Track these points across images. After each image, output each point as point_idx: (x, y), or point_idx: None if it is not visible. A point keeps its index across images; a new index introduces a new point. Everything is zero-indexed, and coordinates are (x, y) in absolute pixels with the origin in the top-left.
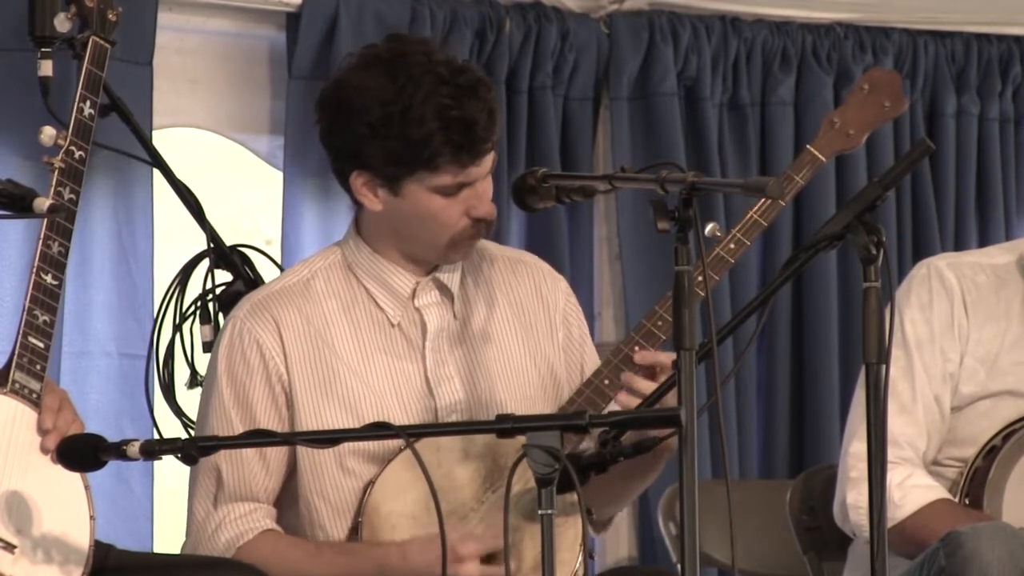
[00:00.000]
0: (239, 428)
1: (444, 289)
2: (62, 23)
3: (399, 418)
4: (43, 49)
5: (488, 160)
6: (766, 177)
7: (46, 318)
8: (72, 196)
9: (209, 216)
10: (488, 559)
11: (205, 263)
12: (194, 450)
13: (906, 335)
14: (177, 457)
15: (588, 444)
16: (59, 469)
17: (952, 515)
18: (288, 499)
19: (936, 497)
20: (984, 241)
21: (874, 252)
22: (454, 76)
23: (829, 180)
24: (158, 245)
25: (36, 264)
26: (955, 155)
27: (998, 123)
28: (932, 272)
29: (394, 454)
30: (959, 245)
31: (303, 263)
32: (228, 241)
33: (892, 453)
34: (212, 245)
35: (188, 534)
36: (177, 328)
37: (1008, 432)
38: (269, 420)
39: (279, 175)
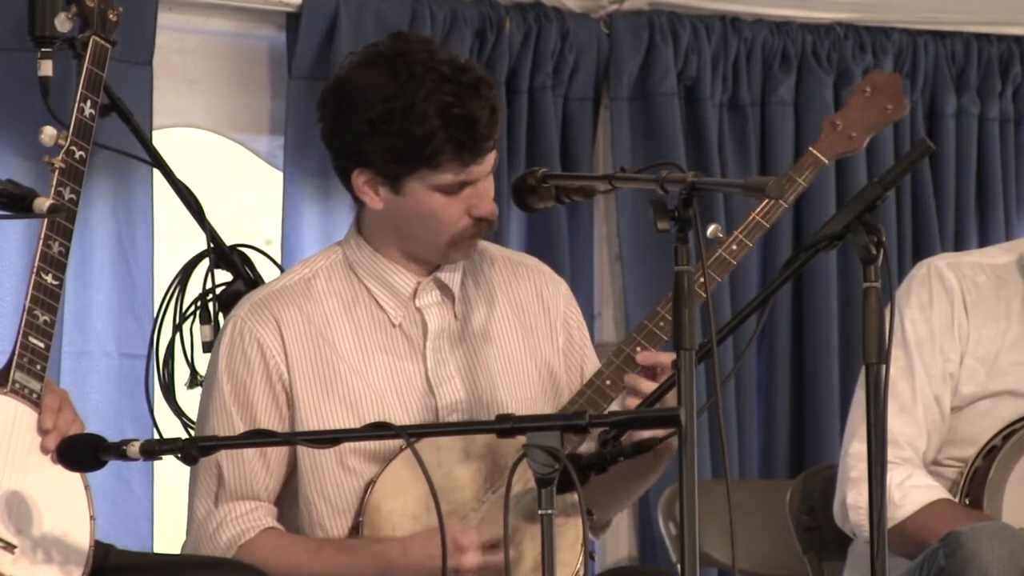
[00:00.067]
0: (240, 427)
1: (445, 289)
2: (63, 23)
3: (400, 417)
4: (43, 49)
5: (490, 159)
6: (766, 177)
7: (46, 318)
8: (72, 196)
9: (209, 216)
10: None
11: (205, 263)
12: (194, 450)
13: (906, 335)
14: (177, 457)
15: (588, 446)
16: (59, 469)
17: (952, 515)
18: (288, 498)
19: (936, 497)
20: (984, 241)
21: (874, 252)
22: (456, 74)
23: (829, 180)
24: (158, 245)
25: (36, 264)
26: (955, 155)
27: (998, 123)
28: (932, 272)
29: (395, 453)
30: (959, 245)
31: (304, 262)
32: (228, 241)
33: (892, 453)
34: (212, 245)
35: (189, 533)
36: (177, 328)
37: (1008, 432)
38: (270, 419)
39: (279, 175)
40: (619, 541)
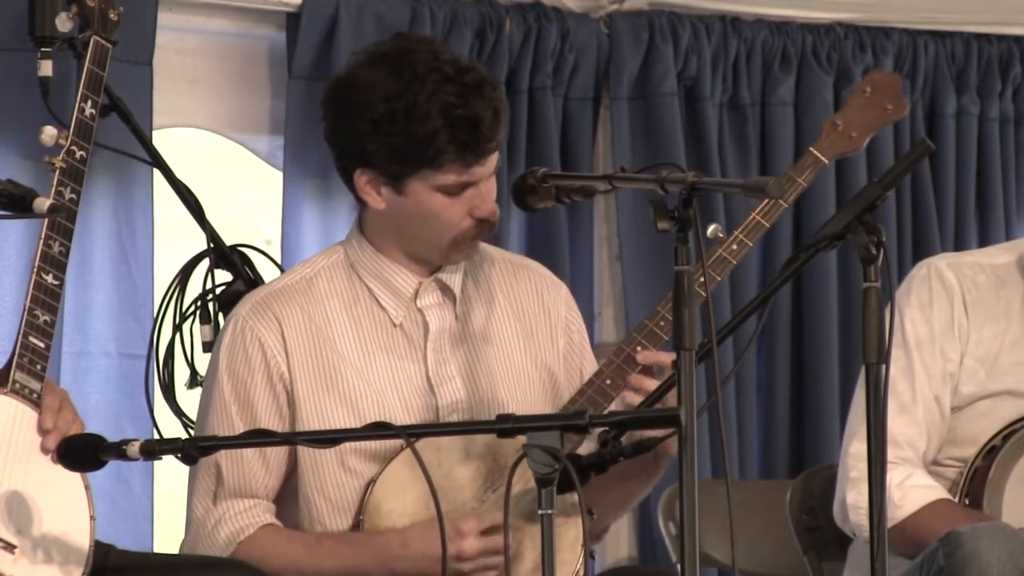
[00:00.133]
0: (240, 425)
1: (446, 290)
2: (63, 23)
3: (400, 417)
4: (43, 49)
5: (492, 160)
6: (766, 177)
7: (47, 318)
8: (73, 196)
9: (209, 216)
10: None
11: (205, 263)
12: (194, 450)
13: (906, 335)
14: (177, 457)
15: (588, 446)
16: (59, 469)
17: (952, 515)
18: (288, 496)
19: (936, 497)
20: (984, 241)
21: (874, 252)
22: (460, 75)
23: (829, 180)
24: (158, 245)
25: (37, 264)
26: (955, 155)
27: (998, 123)
28: (932, 272)
29: (395, 453)
30: (959, 245)
31: (306, 262)
32: (228, 241)
33: (892, 453)
34: (212, 245)
35: (187, 531)
36: (177, 328)
37: (1008, 432)
38: (270, 417)
39: (279, 175)
40: (619, 541)
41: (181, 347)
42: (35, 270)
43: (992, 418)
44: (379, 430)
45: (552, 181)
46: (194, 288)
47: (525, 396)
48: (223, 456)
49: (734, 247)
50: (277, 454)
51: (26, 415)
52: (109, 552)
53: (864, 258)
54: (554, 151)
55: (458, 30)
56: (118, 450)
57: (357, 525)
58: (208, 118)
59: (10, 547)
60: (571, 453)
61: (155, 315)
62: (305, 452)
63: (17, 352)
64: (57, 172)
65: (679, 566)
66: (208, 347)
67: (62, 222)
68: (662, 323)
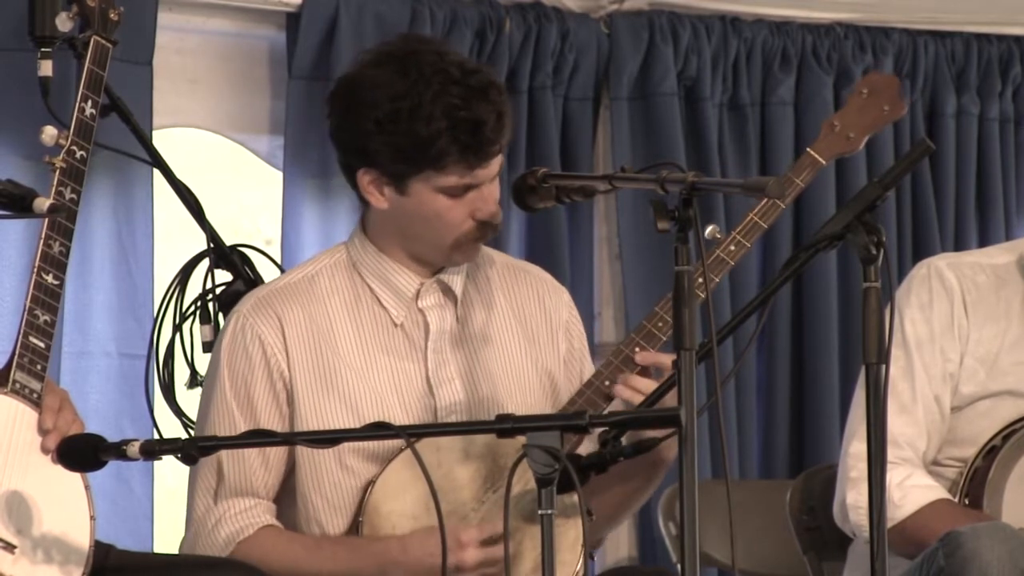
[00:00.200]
0: (240, 423)
1: (448, 291)
2: (64, 22)
3: (399, 417)
4: (43, 49)
5: (495, 163)
6: (766, 177)
7: (47, 318)
8: (73, 196)
9: (209, 216)
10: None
11: (205, 263)
12: (194, 450)
13: (906, 335)
14: (177, 457)
15: (587, 446)
16: (59, 469)
17: (952, 515)
18: (285, 495)
19: (936, 497)
20: (984, 241)
21: (874, 252)
22: (465, 77)
23: (829, 180)
24: (158, 245)
25: (37, 264)
26: (955, 155)
27: (998, 123)
28: (932, 272)
29: (394, 453)
30: (959, 245)
31: (309, 261)
32: (228, 241)
33: (892, 453)
34: (212, 245)
35: (188, 528)
36: (177, 328)
37: (1008, 432)
38: (270, 415)
39: (279, 175)
40: (619, 541)
41: (181, 347)
42: (35, 270)
43: (992, 418)
44: (379, 430)
45: (552, 181)
46: (194, 288)
47: (525, 399)
48: (224, 454)
49: (732, 248)
50: (277, 453)
51: (26, 415)
52: (109, 552)
53: (864, 258)
54: (554, 151)
55: (458, 30)
56: (118, 450)
57: (356, 526)
58: (208, 118)
59: (10, 547)
60: (571, 453)
61: (155, 315)
62: (303, 450)
63: (17, 352)
64: (57, 172)
65: (679, 566)
66: (208, 347)
67: (62, 222)
68: (660, 324)
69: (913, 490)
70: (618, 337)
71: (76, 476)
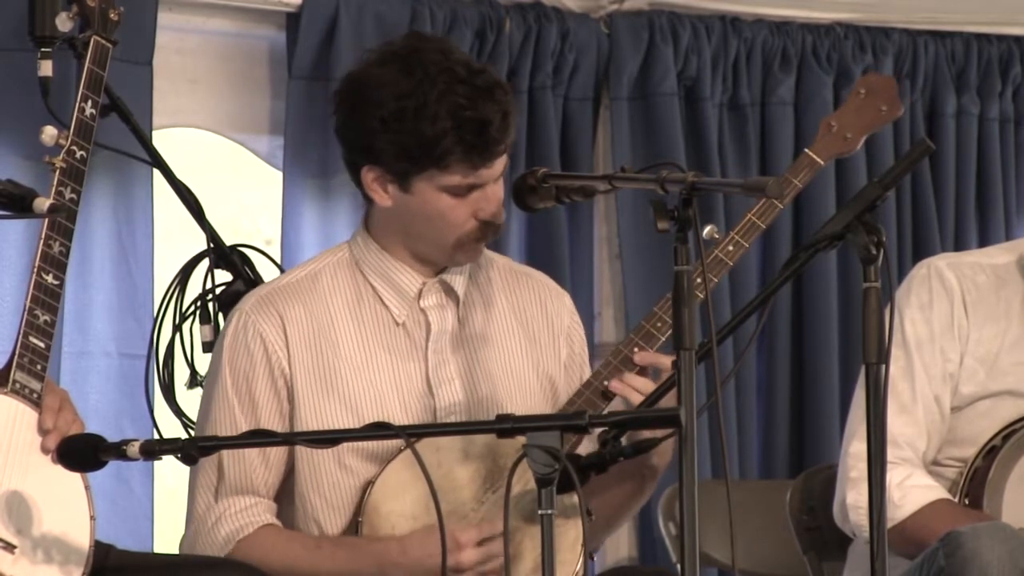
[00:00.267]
0: (241, 420)
1: (450, 291)
2: (64, 22)
3: (399, 417)
4: (43, 49)
5: (499, 163)
6: (766, 177)
7: (47, 318)
8: (73, 196)
9: (209, 216)
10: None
11: (205, 263)
12: (194, 450)
13: (906, 335)
14: (177, 457)
15: (587, 446)
16: (59, 469)
17: (952, 515)
18: (283, 493)
19: (936, 497)
20: (984, 241)
21: (874, 252)
22: (471, 76)
23: (829, 180)
24: (158, 245)
25: (37, 264)
26: (955, 155)
27: (998, 123)
28: (932, 272)
29: (393, 453)
30: (959, 245)
31: (311, 259)
32: (228, 241)
33: (892, 453)
34: (212, 245)
35: (188, 525)
36: (177, 328)
37: (1008, 432)
38: (271, 413)
39: (279, 175)
40: (619, 541)
41: (181, 347)
42: (35, 270)
43: (992, 418)
44: (379, 430)
45: (552, 181)
46: (194, 288)
47: (525, 401)
48: (225, 452)
49: (730, 248)
50: (277, 451)
51: (26, 415)
52: (109, 552)
53: (864, 258)
54: (554, 151)
55: (458, 30)
56: (118, 450)
57: (356, 526)
58: (208, 118)
59: (10, 547)
60: (571, 453)
61: (155, 315)
62: (302, 450)
63: (17, 352)
64: (57, 172)
65: (679, 566)
66: (208, 347)
67: (62, 222)
68: (659, 324)
69: (913, 490)
70: (618, 337)
71: (76, 476)
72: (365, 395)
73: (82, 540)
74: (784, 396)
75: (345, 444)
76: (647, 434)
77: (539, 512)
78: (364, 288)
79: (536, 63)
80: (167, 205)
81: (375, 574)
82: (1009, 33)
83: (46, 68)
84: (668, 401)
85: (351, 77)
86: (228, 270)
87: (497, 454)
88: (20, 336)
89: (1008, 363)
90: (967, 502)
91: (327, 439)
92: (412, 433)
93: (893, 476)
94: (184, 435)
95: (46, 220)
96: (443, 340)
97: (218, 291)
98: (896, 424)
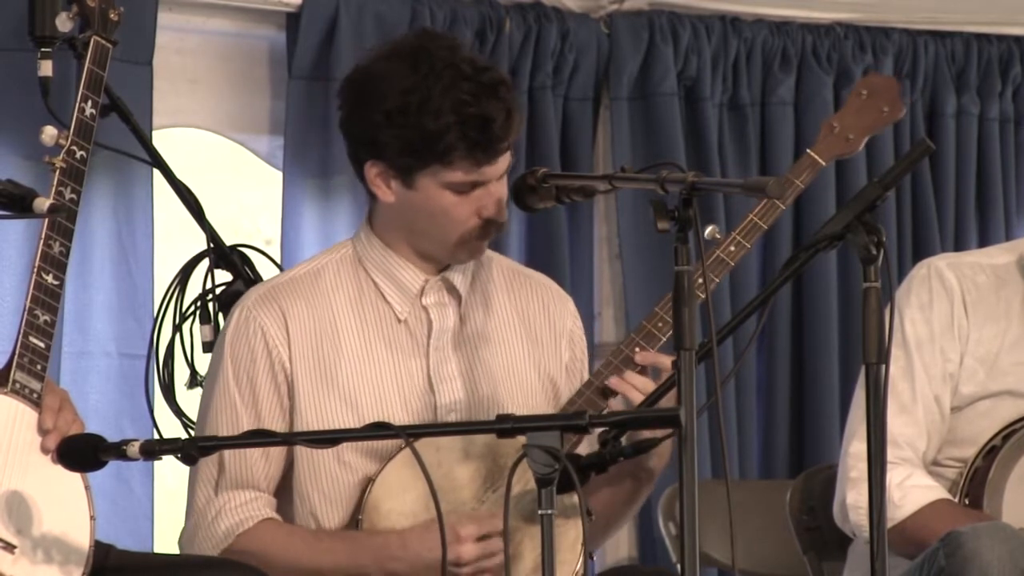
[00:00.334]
0: (243, 413)
1: (453, 290)
2: (64, 23)
3: (399, 414)
4: (43, 49)
5: (503, 161)
6: (766, 177)
7: (47, 318)
8: (73, 196)
9: (209, 216)
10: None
11: (205, 263)
12: (194, 450)
13: (906, 335)
14: (177, 457)
15: (586, 447)
16: (59, 469)
17: (952, 515)
18: (282, 487)
19: (936, 497)
20: (984, 241)
21: (874, 252)
22: (476, 74)
23: (829, 180)
24: (158, 245)
25: (37, 264)
26: (955, 155)
27: (998, 123)
28: (932, 272)
29: (394, 451)
30: (959, 245)
31: (315, 256)
32: (228, 241)
33: (892, 453)
34: (212, 245)
35: (188, 518)
36: (177, 328)
37: (1008, 432)
38: (271, 408)
39: (279, 175)
40: (619, 541)
41: (181, 347)
42: (35, 270)
43: (992, 418)
44: (379, 430)
45: (552, 181)
46: (194, 288)
47: (527, 400)
48: None
49: (732, 249)
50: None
51: (26, 415)
52: (109, 552)
53: (864, 258)
54: (554, 151)
55: (458, 30)
56: (118, 450)
57: (356, 524)
58: (208, 118)
59: (10, 547)
60: (571, 453)
61: (155, 315)
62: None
63: (17, 352)
64: (57, 172)
65: (679, 566)
66: (208, 347)
67: (62, 222)
68: (660, 324)
69: (913, 490)
70: (618, 337)
71: (76, 476)
72: (366, 391)
73: (82, 540)
74: (784, 396)
75: None
76: (647, 434)
77: (539, 512)
78: (367, 284)
79: (536, 63)
80: (167, 205)
81: (375, 568)
82: (1009, 33)
83: (46, 68)
84: (668, 401)
85: (358, 70)
86: (228, 270)
87: (497, 454)
88: (20, 336)
89: (1008, 363)
90: (967, 502)
91: (327, 439)
92: (412, 433)
93: (893, 476)
94: (184, 435)
95: (46, 220)
96: (445, 338)
97: (218, 291)
98: (896, 424)
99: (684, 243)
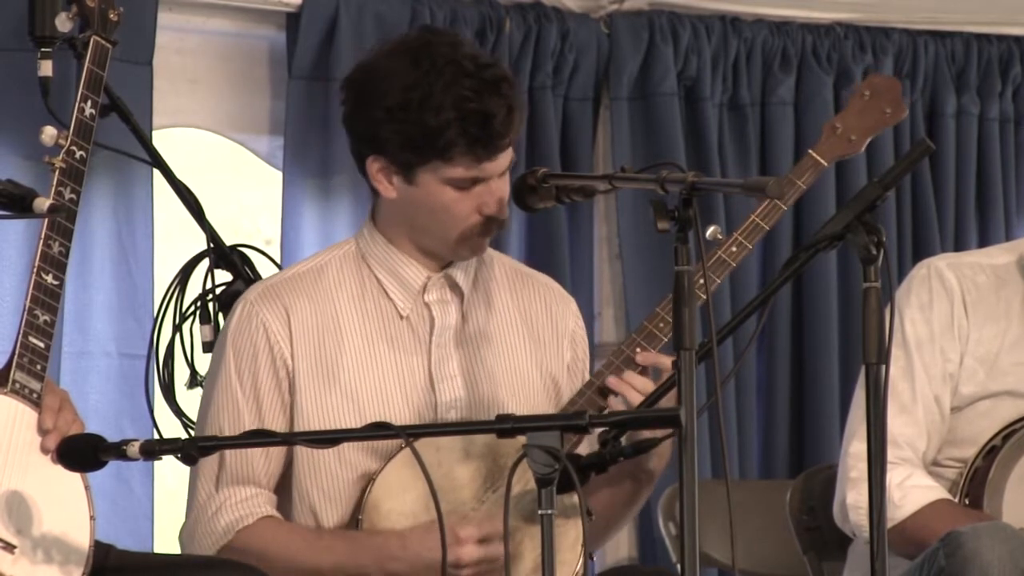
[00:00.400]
0: (244, 408)
1: (455, 287)
2: (63, 23)
3: (401, 411)
4: (43, 49)
5: (504, 158)
6: (766, 177)
7: (47, 318)
8: (73, 196)
9: (209, 216)
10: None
11: (205, 263)
12: (194, 450)
13: (906, 335)
14: (177, 457)
15: (586, 446)
16: (59, 469)
17: (952, 515)
18: (282, 484)
19: (936, 497)
20: (984, 241)
21: (874, 252)
22: (478, 70)
23: (829, 181)
24: (158, 245)
25: (37, 264)
26: (955, 155)
27: (998, 123)
28: (932, 272)
29: (394, 450)
30: (959, 245)
31: (319, 252)
32: (228, 241)
33: (892, 453)
34: (212, 245)
35: (189, 513)
36: (177, 328)
37: (1008, 432)
38: (272, 403)
39: (279, 175)
40: (619, 541)
41: (181, 347)
42: (35, 270)
43: (992, 418)
44: (379, 430)
45: (552, 181)
46: (194, 288)
47: (528, 400)
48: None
49: (733, 249)
50: None
51: (26, 415)
52: (109, 552)
53: (864, 258)
54: (554, 151)
55: (458, 30)
56: (118, 450)
57: (356, 524)
58: (208, 118)
59: (10, 547)
60: (571, 453)
61: (155, 315)
62: None
63: (17, 352)
64: (57, 172)
65: (679, 566)
66: (208, 347)
67: (62, 222)
68: (661, 324)
69: (913, 490)
70: (618, 337)
71: (76, 476)
72: (367, 388)
73: (82, 540)
74: (784, 396)
75: None
76: (647, 434)
77: (539, 512)
78: (369, 281)
79: (536, 63)
80: (167, 205)
81: (375, 568)
82: (1009, 33)
83: (46, 68)
84: (668, 401)
85: (360, 67)
86: (228, 270)
87: (497, 454)
88: (20, 336)
89: (1008, 363)
90: (967, 502)
91: (327, 439)
92: (412, 433)
93: (893, 476)
94: (184, 435)
95: (46, 220)
96: (446, 335)
97: (218, 291)
98: (896, 424)
99: (684, 243)
